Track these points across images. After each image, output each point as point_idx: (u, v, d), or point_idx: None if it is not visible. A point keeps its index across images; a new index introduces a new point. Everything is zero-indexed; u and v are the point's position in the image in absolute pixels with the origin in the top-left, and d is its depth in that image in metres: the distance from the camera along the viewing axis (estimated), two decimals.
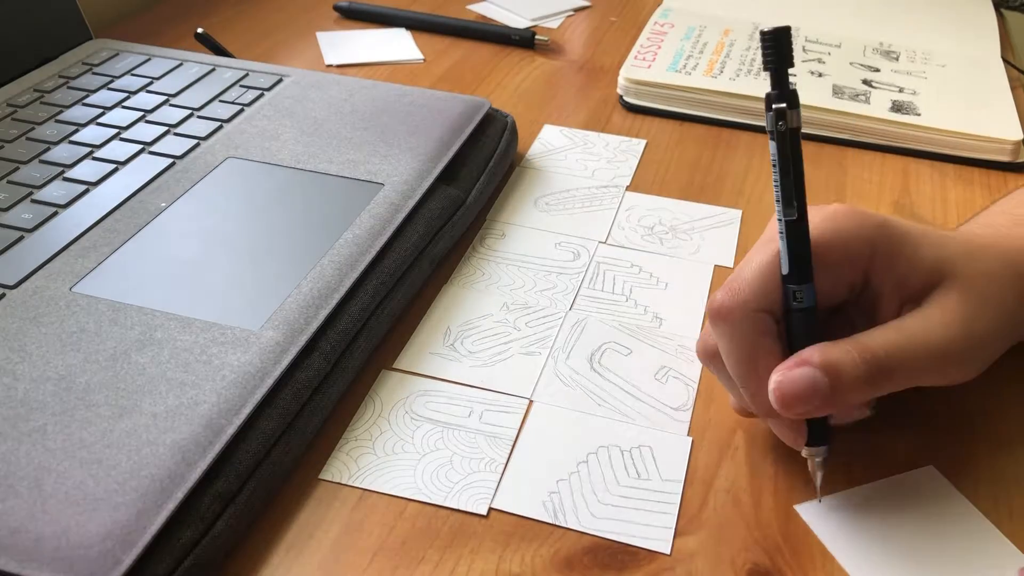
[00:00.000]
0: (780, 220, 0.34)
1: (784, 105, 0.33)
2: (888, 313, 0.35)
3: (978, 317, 0.34)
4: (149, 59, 0.60)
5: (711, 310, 0.34)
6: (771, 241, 0.35)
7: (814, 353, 0.33)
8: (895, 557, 0.34)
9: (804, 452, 0.35)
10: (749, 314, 0.34)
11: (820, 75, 0.65)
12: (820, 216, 0.35)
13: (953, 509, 0.36)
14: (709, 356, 0.37)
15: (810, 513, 0.35)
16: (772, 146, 0.34)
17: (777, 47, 0.33)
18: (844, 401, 0.33)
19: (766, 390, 0.33)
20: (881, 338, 0.33)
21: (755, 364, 0.34)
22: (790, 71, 0.33)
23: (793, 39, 0.76)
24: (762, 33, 0.33)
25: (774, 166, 0.34)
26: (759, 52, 0.68)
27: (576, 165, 0.57)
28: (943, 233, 0.37)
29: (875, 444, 0.38)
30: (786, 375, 0.33)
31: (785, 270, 0.34)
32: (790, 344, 0.35)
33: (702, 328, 0.37)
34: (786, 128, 0.33)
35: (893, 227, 0.35)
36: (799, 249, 0.34)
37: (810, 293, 0.34)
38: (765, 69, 0.33)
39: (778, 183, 0.34)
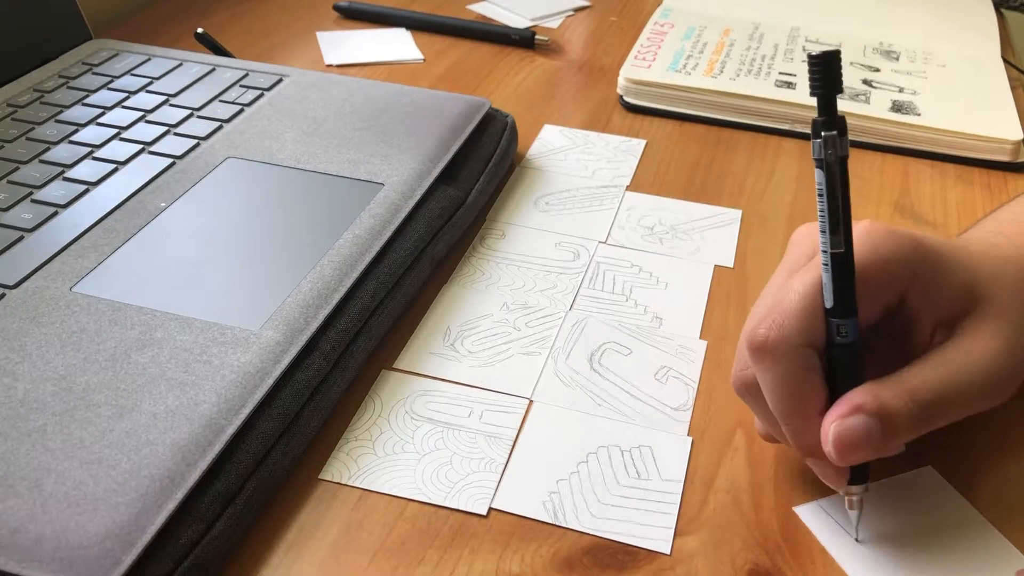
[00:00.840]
0: (825, 252, 0.32)
1: (835, 133, 0.32)
2: (921, 336, 0.34)
3: (1017, 343, 0.33)
4: (149, 59, 0.60)
5: (753, 345, 0.32)
6: (810, 269, 0.33)
7: (867, 398, 0.31)
8: (895, 557, 0.34)
9: (844, 491, 0.34)
10: (794, 350, 0.32)
11: None
12: (856, 234, 0.33)
13: (952, 510, 0.36)
14: (746, 389, 0.35)
15: (810, 513, 0.35)
16: (818, 175, 0.32)
17: (826, 71, 0.31)
18: (895, 444, 0.32)
19: (811, 428, 0.32)
20: (930, 377, 0.32)
21: (801, 402, 0.33)
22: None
23: (793, 39, 0.75)
24: (810, 57, 0.32)
25: (820, 196, 0.32)
26: (759, 52, 0.69)
27: (576, 165, 0.57)
28: (970, 251, 0.36)
29: None
30: (843, 425, 0.31)
31: (829, 304, 0.33)
32: (832, 379, 0.33)
33: (737, 359, 0.35)
34: (835, 156, 0.32)
35: (928, 248, 0.34)
36: (845, 282, 0.32)
37: (854, 327, 0.32)
38: (812, 95, 0.32)
39: (824, 213, 0.32)
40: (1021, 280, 0.35)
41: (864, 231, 0.33)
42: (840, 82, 0.32)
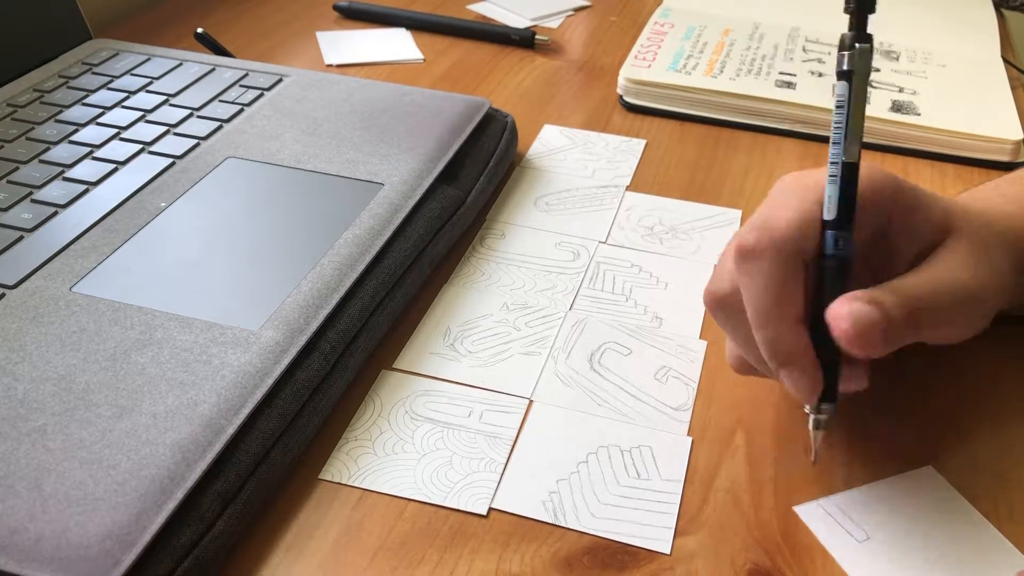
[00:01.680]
0: (836, 163, 0.34)
1: (868, 45, 0.34)
2: (901, 266, 0.35)
3: (983, 264, 0.35)
4: (149, 59, 0.60)
5: (744, 248, 0.33)
6: (802, 190, 0.35)
7: (863, 294, 0.32)
8: (894, 557, 0.34)
9: (810, 408, 0.35)
10: (782, 255, 0.33)
11: (820, 75, 0.65)
12: None
13: (952, 510, 0.36)
14: (718, 300, 0.36)
15: (810, 513, 0.35)
16: (840, 87, 0.34)
17: None
18: (887, 346, 0.33)
19: (789, 335, 0.33)
20: (914, 283, 0.34)
21: (782, 307, 0.33)
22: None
23: (793, 39, 0.75)
24: None
25: (840, 108, 0.34)
26: (759, 52, 0.69)
27: (576, 165, 0.57)
28: (952, 199, 0.38)
29: (874, 444, 0.38)
30: (855, 308, 0.32)
31: (831, 215, 0.34)
32: (819, 292, 0.34)
33: (714, 275, 0.36)
34: (864, 69, 0.34)
35: (907, 183, 0.36)
36: (850, 194, 0.34)
37: (850, 241, 0.34)
38: (846, 10, 0.34)
39: (842, 125, 0.34)
40: (990, 232, 0.37)
41: None
42: (874, 1, 0.34)
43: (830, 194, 0.34)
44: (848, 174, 0.34)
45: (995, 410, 0.40)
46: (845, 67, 0.34)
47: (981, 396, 0.41)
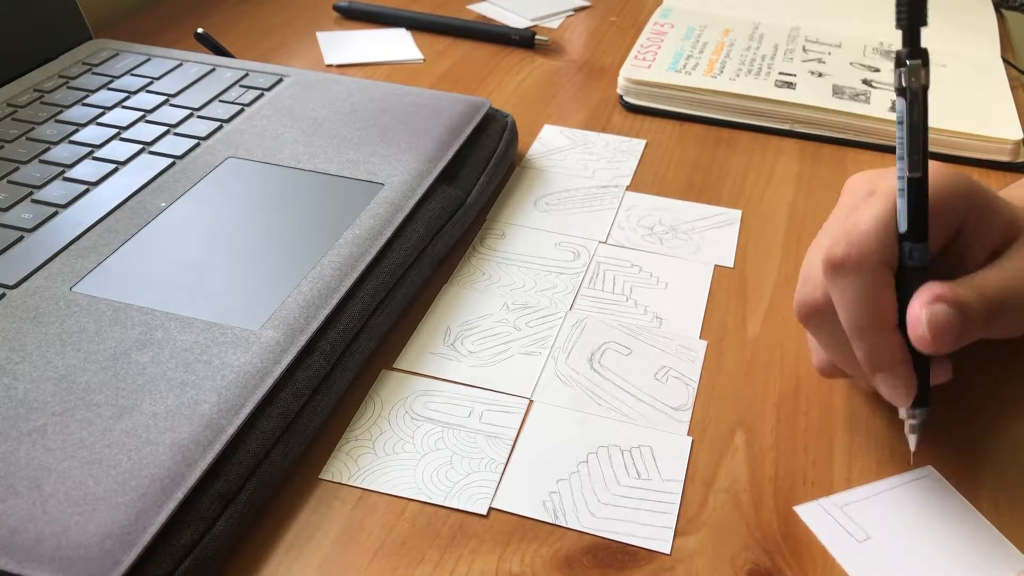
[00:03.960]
0: (902, 178, 0.34)
1: (919, 62, 0.34)
2: (976, 263, 0.36)
3: None
4: (149, 59, 0.60)
5: (834, 261, 0.34)
6: (879, 198, 0.35)
7: (943, 289, 0.33)
8: (895, 557, 0.34)
9: (905, 413, 0.35)
10: (875, 266, 0.34)
11: (820, 75, 0.65)
12: None
13: (953, 510, 0.36)
14: (812, 311, 0.36)
15: (810, 513, 0.35)
16: (899, 103, 0.34)
17: (912, 5, 0.34)
18: (966, 339, 0.33)
19: (885, 343, 0.34)
20: (991, 279, 0.34)
21: (878, 316, 0.34)
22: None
23: (793, 39, 0.75)
24: None
25: (900, 123, 0.34)
26: (759, 52, 0.69)
27: (576, 165, 0.57)
28: (1009, 195, 0.39)
29: (875, 444, 0.38)
30: (932, 310, 0.33)
31: (903, 228, 0.34)
32: (902, 303, 0.35)
33: (802, 283, 0.37)
34: (918, 85, 0.34)
35: (980, 184, 0.36)
36: (920, 207, 0.34)
37: (925, 251, 0.34)
38: (898, 27, 0.34)
39: (903, 141, 0.34)
40: None
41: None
42: (925, 15, 0.34)
43: (901, 208, 0.35)
44: (915, 188, 0.34)
45: (995, 410, 0.40)
46: (898, 84, 0.35)
47: (981, 396, 0.41)
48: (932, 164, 0.35)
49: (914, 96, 0.34)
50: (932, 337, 0.33)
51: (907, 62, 0.34)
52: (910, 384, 0.35)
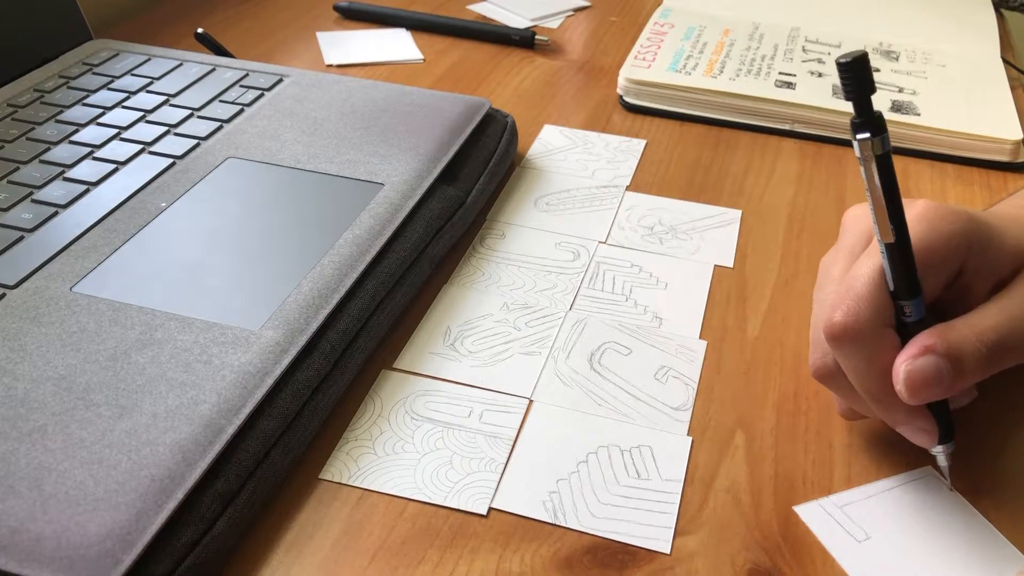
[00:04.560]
0: (880, 242, 0.34)
1: (868, 135, 0.32)
2: (979, 298, 0.36)
3: None
4: (149, 59, 0.60)
5: (834, 333, 0.34)
6: (871, 252, 0.35)
7: (935, 339, 0.33)
8: (894, 557, 0.34)
9: (934, 450, 0.35)
10: (872, 332, 0.34)
11: (820, 75, 0.65)
12: (913, 216, 0.35)
13: (952, 510, 0.36)
14: (828, 375, 0.36)
15: (810, 513, 0.35)
16: (863, 171, 0.33)
17: (857, 76, 0.32)
18: (965, 383, 0.33)
19: (898, 400, 0.34)
20: (992, 319, 0.34)
21: (886, 377, 0.34)
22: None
23: (793, 39, 0.75)
24: (839, 63, 0.32)
25: (868, 192, 0.33)
26: (759, 52, 0.69)
27: (576, 165, 0.57)
28: (1010, 216, 0.38)
29: (875, 445, 0.38)
30: (914, 365, 0.33)
31: (891, 287, 0.34)
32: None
33: (813, 347, 0.37)
34: (873, 155, 0.33)
35: (979, 220, 0.36)
36: (903, 268, 0.34)
37: (918, 306, 0.34)
38: (847, 99, 0.32)
39: (872, 208, 0.34)
40: None
41: (920, 213, 0.35)
42: (872, 82, 0.32)
43: (885, 268, 0.34)
44: (894, 252, 0.34)
45: (995, 410, 0.40)
46: (856, 153, 0.33)
47: (981, 396, 0.41)
48: (926, 209, 0.35)
49: (868, 167, 0.33)
50: (909, 393, 0.33)
51: (857, 137, 0.33)
52: (930, 429, 0.35)
